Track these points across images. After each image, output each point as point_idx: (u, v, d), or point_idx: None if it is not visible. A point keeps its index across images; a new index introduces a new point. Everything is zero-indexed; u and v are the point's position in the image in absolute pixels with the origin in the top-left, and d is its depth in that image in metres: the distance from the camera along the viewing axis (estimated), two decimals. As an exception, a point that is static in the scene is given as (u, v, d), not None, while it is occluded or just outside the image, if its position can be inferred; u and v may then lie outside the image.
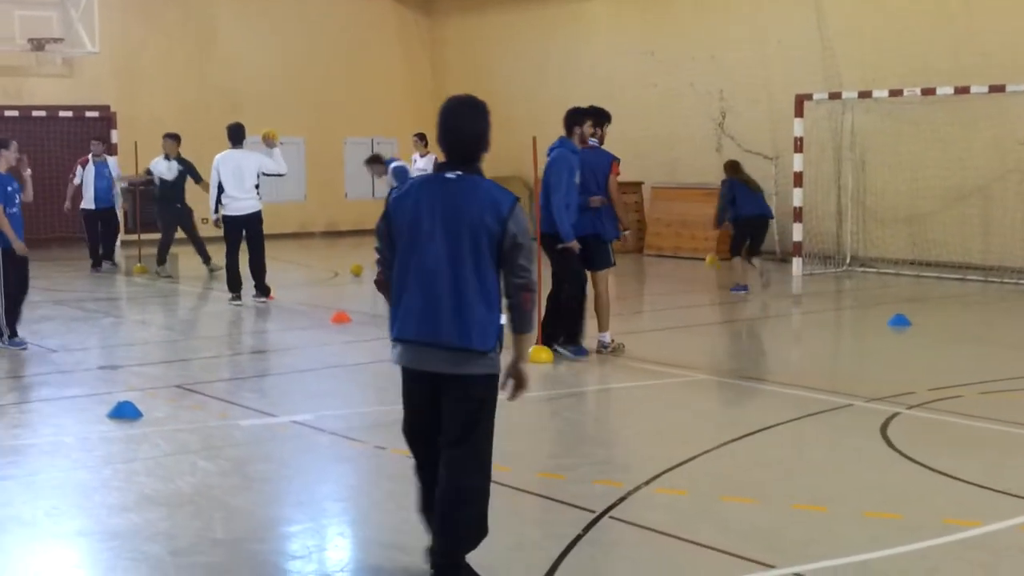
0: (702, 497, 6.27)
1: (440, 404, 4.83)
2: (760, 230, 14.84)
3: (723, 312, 14.32)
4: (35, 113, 21.26)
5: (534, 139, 10.57)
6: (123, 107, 21.82)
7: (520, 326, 4.82)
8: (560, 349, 10.17)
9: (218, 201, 13.78)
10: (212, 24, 23.41)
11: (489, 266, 4.74)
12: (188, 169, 16.98)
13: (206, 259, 17.07)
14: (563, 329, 10.23)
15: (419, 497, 5.09)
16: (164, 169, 16.87)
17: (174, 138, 17.14)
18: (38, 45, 20.83)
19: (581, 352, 10.21)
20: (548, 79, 22.89)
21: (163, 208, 17.01)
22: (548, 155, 10.01)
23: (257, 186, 13.90)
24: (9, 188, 10.47)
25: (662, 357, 9.86)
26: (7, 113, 20.99)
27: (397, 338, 4.85)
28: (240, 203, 13.73)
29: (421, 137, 19.13)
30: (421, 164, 18.79)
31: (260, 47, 23.70)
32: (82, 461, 7.17)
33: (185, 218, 17.23)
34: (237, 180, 13.68)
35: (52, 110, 21.38)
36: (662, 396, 9.15)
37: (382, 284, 5.04)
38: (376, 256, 5.05)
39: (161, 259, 16.84)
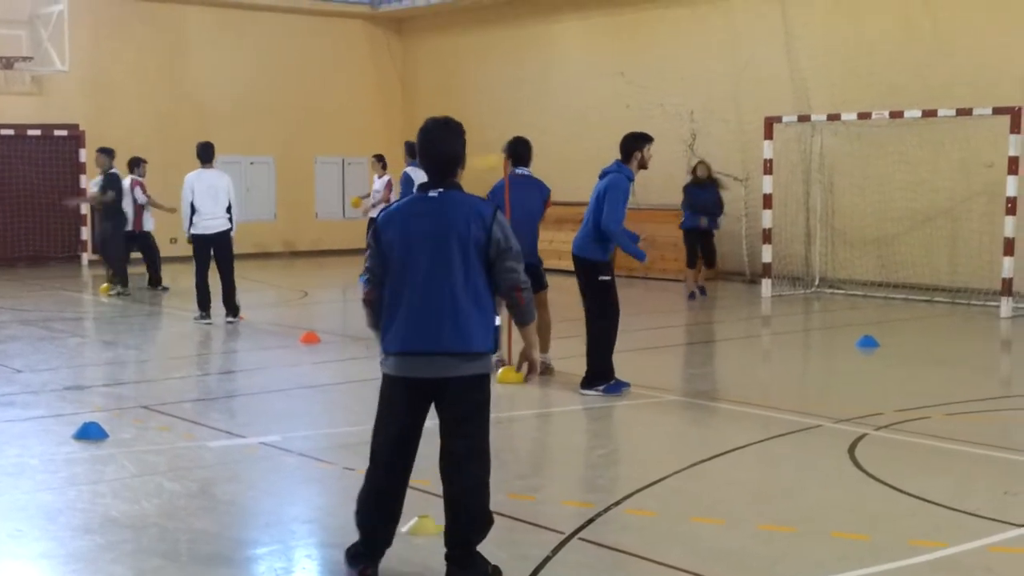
0: (672, 518, 6.27)
1: (423, 413, 5.17)
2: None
3: (692, 333, 14.38)
4: (3, 132, 21.13)
5: (505, 160, 10.58)
6: (92, 126, 21.71)
7: (522, 320, 5.21)
8: (588, 391, 9.51)
9: (190, 220, 13.76)
10: (182, 43, 23.36)
11: (480, 273, 5.07)
12: (108, 183, 17.03)
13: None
14: (592, 365, 9.58)
15: (375, 504, 5.20)
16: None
17: (103, 153, 17.29)
18: (7, 64, 20.74)
19: (615, 389, 9.55)
20: (520, 99, 22.96)
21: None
22: (600, 178, 9.63)
23: (229, 207, 13.85)
24: None
25: (631, 378, 9.85)
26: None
27: (398, 351, 5.09)
28: (211, 222, 13.70)
29: (379, 159, 19.15)
30: (378, 185, 18.83)
31: (231, 65, 23.67)
32: (47, 482, 7.09)
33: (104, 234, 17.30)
34: (211, 199, 13.67)
35: (20, 129, 21.26)
36: (631, 417, 9.15)
37: (370, 302, 5.24)
38: (366, 273, 5.26)
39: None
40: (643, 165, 9.71)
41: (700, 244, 16.72)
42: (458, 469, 5.15)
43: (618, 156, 9.72)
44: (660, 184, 20.31)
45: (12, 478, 7.17)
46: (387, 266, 5.12)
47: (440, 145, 5.19)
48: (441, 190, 5.14)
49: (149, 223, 17.64)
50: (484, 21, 24.05)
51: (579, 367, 9.87)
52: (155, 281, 17.73)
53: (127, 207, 17.33)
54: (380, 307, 5.18)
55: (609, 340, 9.63)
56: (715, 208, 16.74)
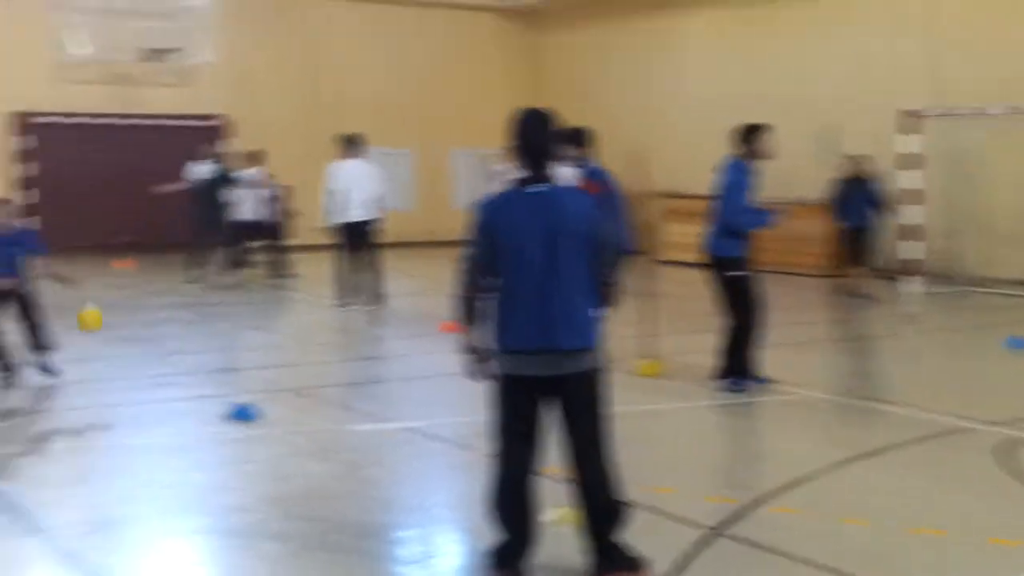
0: (817, 517, 6.18)
1: (541, 408, 5.14)
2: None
3: (835, 330, 14.13)
4: (149, 122, 21.82)
5: (635, 154, 10.50)
6: (235, 116, 22.26)
7: (607, 305, 5.32)
8: (723, 386, 9.44)
9: (333, 208, 14.01)
10: (323, 35, 23.80)
11: (588, 268, 5.09)
12: (223, 173, 17.46)
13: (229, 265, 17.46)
14: (726, 361, 9.51)
15: (512, 502, 5.16)
16: (197, 171, 17.49)
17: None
18: (154, 55, 21.38)
19: (747, 385, 9.42)
20: (651, 92, 22.80)
21: (192, 210, 17.52)
22: (721, 172, 9.49)
23: (379, 198, 14.09)
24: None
25: (772, 374, 9.72)
26: (122, 122, 21.58)
27: (513, 349, 5.06)
28: (358, 211, 13.94)
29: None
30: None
31: (369, 58, 24.03)
32: (200, 461, 7.34)
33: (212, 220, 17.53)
34: (359, 188, 13.91)
35: (168, 119, 21.93)
36: (774, 413, 9.04)
37: (469, 298, 5.15)
38: (462, 267, 5.16)
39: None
40: (763, 155, 9.44)
41: (857, 241, 15.73)
42: (581, 464, 5.15)
43: (736, 149, 9.48)
44: (792, 177, 19.99)
45: (167, 457, 7.43)
46: (496, 263, 5.08)
47: (534, 136, 5.14)
48: (541, 184, 5.08)
49: (270, 213, 17.99)
50: (614, 14, 23.94)
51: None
52: (281, 268, 18.07)
53: (250, 197, 17.63)
54: (476, 301, 5.15)
55: (745, 336, 9.51)
56: (870, 204, 15.75)
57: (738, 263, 9.40)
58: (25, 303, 9.56)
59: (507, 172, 17.88)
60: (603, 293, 5.17)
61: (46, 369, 9.60)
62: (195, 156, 18.06)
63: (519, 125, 5.16)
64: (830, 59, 19.66)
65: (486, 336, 5.15)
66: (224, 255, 17.53)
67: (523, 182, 5.13)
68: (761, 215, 9.42)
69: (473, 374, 5.24)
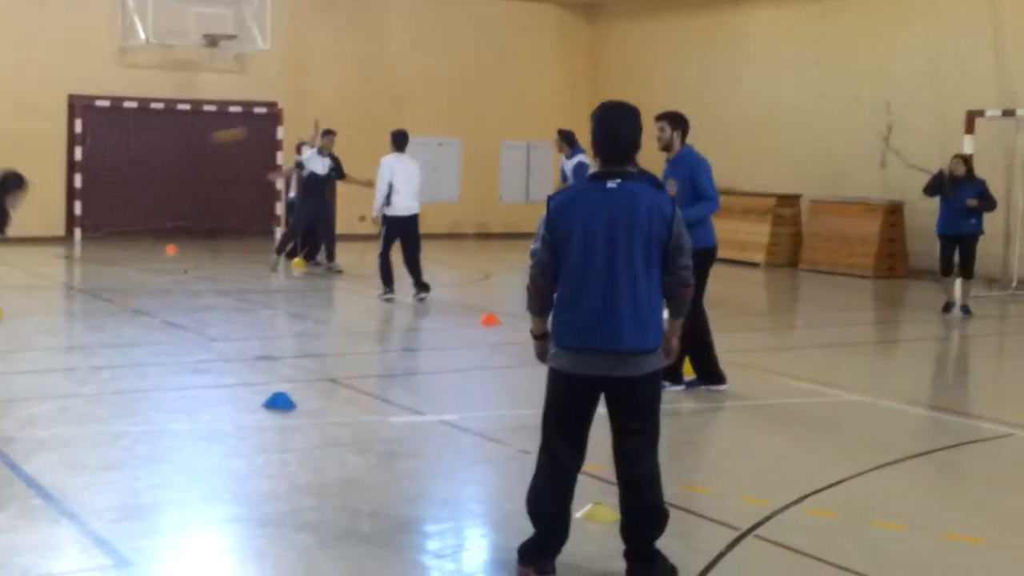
0: (852, 521, 6.10)
1: (594, 405, 5.09)
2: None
3: (880, 332, 13.96)
4: (206, 107, 22.00)
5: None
6: (289, 104, 22.39)
7: (678, 314, 5.17)
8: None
9: (385, 202, 14.12)
10: (380, 25, 23.83)
11: (657, 269, 4.99)
12: (338, 166, 17.37)
13: (331, 256, 17.35)
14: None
15: (552, 496, 5.13)
16: (318, 164, 17.21)
17: (332, 134, 17.54)
18: (212, 41, 21.56)
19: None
20: (709, 88, 22.63)
21: (307, 201, 17.33)
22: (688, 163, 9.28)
23: (420, 191, 14.25)
24: None
25: (813, 375, 9.64)
26: (179, 107, 21.78)
27: (575, 347, 5.01)
28: (407, 203, 14.10)
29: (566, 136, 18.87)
30: (568, 166, 18.70)
31: (424, 49, 24.04)
32: (237, 449, 7.38)
33: (327, 213, 17.49)
34: (409, 183, 14.11)
35: (222, 105, 22.09)
36: (813, 415, 8.94)
37: (540, 293, 5.15)
38: (531, 261, 5.14)
39: (280, 249, 17.31)
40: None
41: (959, 249, 14.47)
42: (635, 464, 5.09)
43: None
44: (852, 177, 19.78)
45: (205, 443, 7.49)
46: (561, 259, 5.02)
47: (616, 127, 5.07)
48: (619, 180, 5.00)
49: None
50: (676, 8, 23.78)
51: (767, 360, 9.64)
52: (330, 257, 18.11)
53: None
54: (548, 296, 5.12)
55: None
56: (980, 208, 14.41)
57: None
58: None
59: (570, 164, 17.69)
60: (675, 294, 5.06)
61: None
62: (302, 143, 18.03)
63: (598, 117, 5.10)
64: (898, 57, 19.33)
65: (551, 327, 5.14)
66: (325, 245, 17.53)
67: (597, 176, 5.07)
68: None
69: (544, 357, 5.21)
